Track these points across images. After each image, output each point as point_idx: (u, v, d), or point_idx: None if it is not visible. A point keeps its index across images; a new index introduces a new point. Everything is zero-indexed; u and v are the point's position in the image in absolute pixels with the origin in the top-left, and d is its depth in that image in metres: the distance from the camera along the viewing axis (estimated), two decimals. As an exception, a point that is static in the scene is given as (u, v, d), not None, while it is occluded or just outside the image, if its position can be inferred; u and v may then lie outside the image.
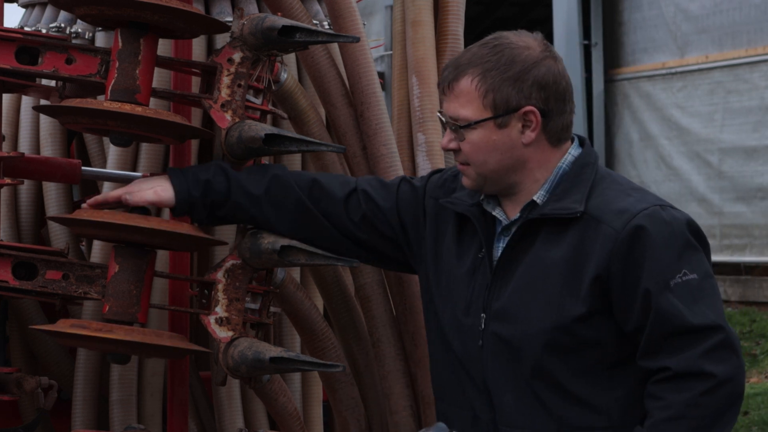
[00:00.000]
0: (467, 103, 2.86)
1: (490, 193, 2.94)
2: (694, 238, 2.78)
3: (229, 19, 3.71)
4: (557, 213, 2.83)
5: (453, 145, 2.90)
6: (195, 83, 3.48)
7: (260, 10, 3.77)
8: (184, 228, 3.16)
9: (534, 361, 2.82)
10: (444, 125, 2.94)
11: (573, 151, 2.90)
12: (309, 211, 3.14)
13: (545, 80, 2.83)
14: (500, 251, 2.91)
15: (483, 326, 2.90)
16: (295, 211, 3.15)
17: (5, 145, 3.90)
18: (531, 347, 2.82)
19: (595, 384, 2.79)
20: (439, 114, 2.96)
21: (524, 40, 2.87)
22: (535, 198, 2.88)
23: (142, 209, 3.16)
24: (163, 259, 3.50)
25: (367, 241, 3.13)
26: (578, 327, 2.78)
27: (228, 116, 3.19)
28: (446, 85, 2.90)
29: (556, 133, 2.87)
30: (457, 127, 2.88)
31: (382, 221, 3.11)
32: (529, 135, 2.84)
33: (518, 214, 2.90)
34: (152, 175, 3.29)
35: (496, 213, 2.94)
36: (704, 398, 2.68)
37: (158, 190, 3.07)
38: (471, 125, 2.85)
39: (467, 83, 2.86)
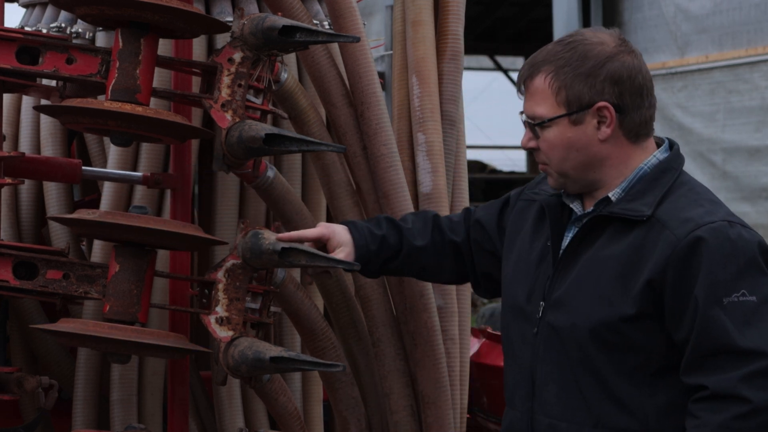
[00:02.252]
0: (541, 101, 2.84)
1: (573, 191, 2.91)
2: (763, 260, 2.72)
3: (230, 18, 3.71)
4: (625, 213, 2.80)
5: (532, 143, 2.89)
6: (195, 83, 3.48)
7: (260, 10, 3.78)
8: (185, 228, 3.16)
9: (580, 353, 2.80)
10: (524, 124, 2.93)
11: (659, 154, 2.87)
12: (459, 252, 3.21)
13: (619, 75, 2.80)
14: (567, 243, 2.90)
15: (540, 314, 2.89)
16: (452, 253, 3.22)
17: (6, 145, 3.90)
18: (578, 339, 2.80)
19: (637, 387, 2.76)
20: (520, 114, 2.94)
21: (599, 36, 2.85)
22: (610, 195, 2.85)
23: (141, 208, 3.16)
24: (163, 258, 3.50)
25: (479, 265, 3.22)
26: (625, 327, 2.75)
27: (228, 116, 3.19)
28: (522, 83, 2.89)
29: (633, 129, 2.83)
30: (533, 125, 2.86)
31: (487, 242, 3.20)
32: (605, 131, 2.81)
33: (591, 209, 2.88)
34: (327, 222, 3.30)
35: (573, 205, 2.92)
36: (737, 422, 2.63)
37: (346, 252, 3.11)
38: (545, 123, 2.83)
39: (541, 81, 2.84)
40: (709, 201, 2.80)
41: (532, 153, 2.94)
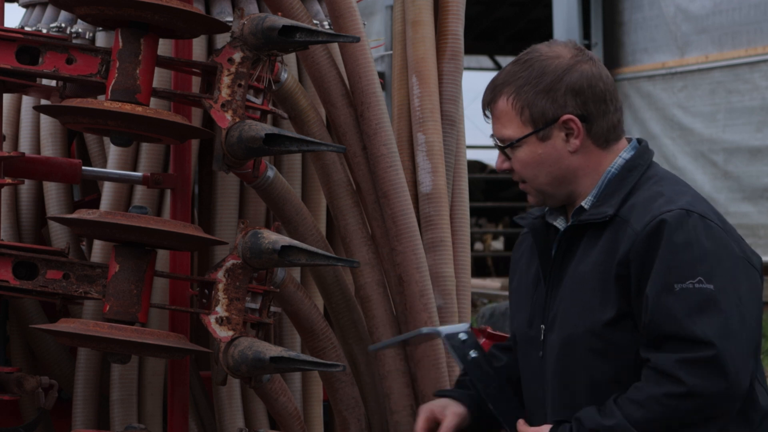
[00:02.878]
0: (508, 123, 2.85)
1: (554, 206, 2.92)
2: (724, 249, 2.71)
3: (230, 18, 3.71)
4: (591, 218, 2.81)
5: (506, 165, 2.90)
6: (195, 83, 3.48)
7: (260, 10, 3.77)
8: (185, 228, 3.16)
9: (579, 368, 2.80)
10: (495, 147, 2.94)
11: (625, 154, 2.87)
12: None
13: (579, 85, 2.81)
14: (552, 261, 2.90)
15: (542, 337, 2.89)
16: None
17: (6, 145, 3.90)
18: (574, 354, 2.80)
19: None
20: (491, 138, 2.95)
21: (554, 50, 2.85)
22: (582, 203, 2.86)
23: (141, 208, 3.16)
24: (163, 258, 3.50)
25: None
26: (610, 332, 2.75)
27: (228, 116, 3.19)
28: (485, 107, 2.90)
29: (602, 135, 2.84)
30: (503, 147, 2.87)
31: None
32: (574, 143, 2.82)
33: (570, 222, 2.89)
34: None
35: (557, 222, 2.92)
36: (668, 400, 2.64)
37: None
38: (515, 143, 2.84)
39: (504, 103, 2.85)
40: (672, 190, 2.79)
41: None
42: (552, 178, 2.85)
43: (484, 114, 2.93)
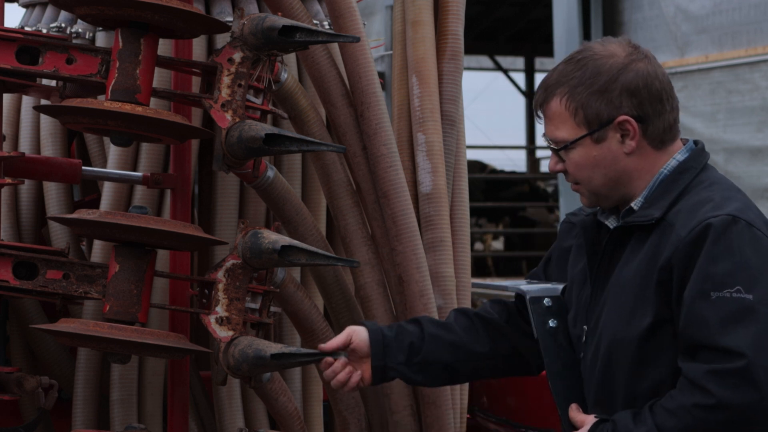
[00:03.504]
0: (561, 124, 2.79)
1: (608, 207, 2.86)
2: None
3: (230, 19, 3.71)
4: (638, 220, 2.76)
5: (559, 167, 2.84)
6: (195, 83, 3.49)
7: (260, 10, 3.78)
8: (185, 228, 3.16)
9: (619, 378, 2.76)
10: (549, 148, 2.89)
11: (679, 155, 2.81)
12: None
13: (635, 85, 2.75)
14: (598, 261, 2.86)
15: (585, 338, 2.86)
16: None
17: (6, 145, 3.90)
18: (615, 362, 2.76)
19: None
20: (543, 138, 2.90)
21: (608, 48, 2.79)
22: (633, 205, 2.81)
23: (141, 208, 3.16)
24: (163, 258, 3.50)
25: None
26: (649, 339, 2.71)
27: (228, 116, 3.19)
28: (539, 108, 2.84)
29: (658, 136, 2.79)
30: (557, 149, 2.82)
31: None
32: (630, 144, 2.76)
33: (618, 223, 2.84)
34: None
35: (608, 222, 2.87)
36: (698, 411, 2.60)
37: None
38: (569, 145, 2.78)
39: (557, 104, 2.79)
40: (722, 196, 2.73)
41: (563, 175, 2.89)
42: (607, 179, 2.79)
43: (536, 115, 2.86)
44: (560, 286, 2.93)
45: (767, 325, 2.60)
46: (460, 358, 3.05)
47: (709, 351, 2.61)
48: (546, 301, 2.90)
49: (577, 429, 2.79)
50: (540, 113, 2.85)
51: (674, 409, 2.63)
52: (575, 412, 2.83)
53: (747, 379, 2.57)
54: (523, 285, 3.03)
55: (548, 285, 3.00)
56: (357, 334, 3.03)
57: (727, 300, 2.61)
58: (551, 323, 2.90)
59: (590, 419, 2.76)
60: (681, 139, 2.86)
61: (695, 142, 2.87)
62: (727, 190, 2.78)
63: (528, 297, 2.91)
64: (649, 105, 2.78)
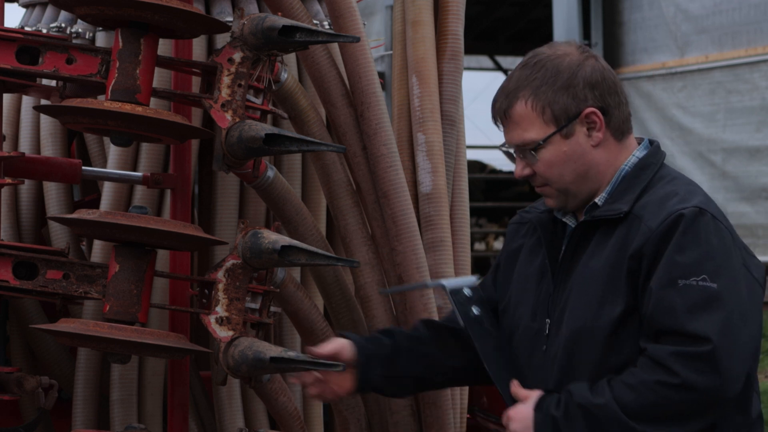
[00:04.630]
0: (529, 125, 2.84)
1: (575, 208, 2.92)
2: (733, 251, 2.74)
3: (230, 19, 3.71)
4: (605, 214, 2.82)
5: (527, 171, 2.88)
6: (195, 83, 3.48)
7: (260, 10, 3.78)
8: (185, 228, 3.16)
9: (586, 362, 2.80)
10: (511, 156, 2.92)
11: (638, 152, 2.89)
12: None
13: (594, 78, 2.83)
14: (561, 256, 2.91)
15: (548, 331, 2.90)
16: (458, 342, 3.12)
17: (6, 145, 3.90)
18: (581, 349, 2.81)
19: None
20: (503, 148, 2.93)
21: (560, 49, 2.87)
22: (596, 200, 2.87)
23: (141, 208, 3.16)
24: (163, 258, 3.50)
25: None
26: (617, 327, 2.76)
27: (228, 116, 3.19)
28: (502, 115, 2.88)
29: (619, 127, 2.86)
30: (527, 150, 2.86)
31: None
32: (597, 136, 2.84)
33: (583, 217, 2.90)
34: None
35: (566, 219, 2.94)
36: (660, 388, 2.66)
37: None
38: (540, 145, 2.83)
39: (522, 106, 2.84)
40: (686, 190, 2.81)
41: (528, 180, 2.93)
42: (576, 175, 2.85)
43: (496, 123, 2.91)
44: (474, 278, 2.98)
45: (731, 314, 2.68)
46: (433, 370, 3.12)
47: (675, 335, 2.68)
48: (466, 291, 2.95)
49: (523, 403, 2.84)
50: (501, 121, 2.89)
51: (635, 384, 2.68)
52: (517, 388, 2.88)
53: (711, 364, 2.65)
54: (441, 280, 3.11)
55: (464, 277, 3.08)
56: (344, 347, 3.07)
57: (693, 288, 2.68)
58: (474, 311, 2.97)
59: (536, 392, 2.81)
60: (636, 138, 2.94)
61: (651, 141, 2.95)
62: (689, 185, 2.86)
63: (448, 289, 2.96)
64: (609, 96, 2.86)
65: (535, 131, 2.84)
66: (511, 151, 2.91)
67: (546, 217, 2.97)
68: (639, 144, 2.92)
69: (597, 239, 2.84)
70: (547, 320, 2.90)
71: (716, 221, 2.76)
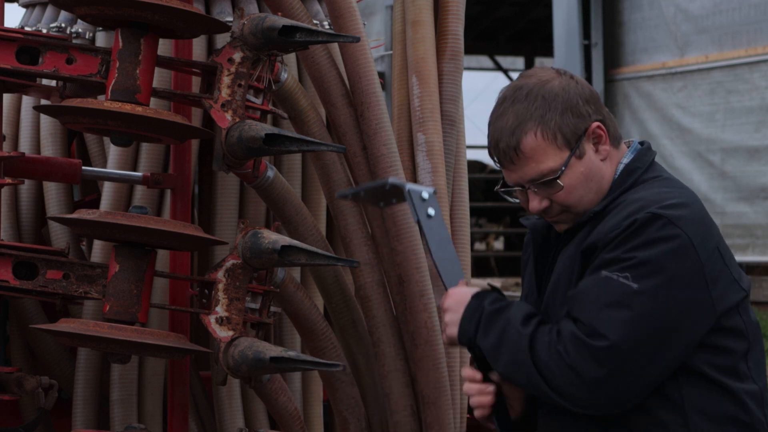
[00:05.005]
0: (543, 157, 2.78)
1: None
2: (678, 261, 2.67)
3: (230, 19, 3.71)
4: (582, 218, 2.81)
5: (545, 204, 2.82)
6: (195, 83, 3.49)
7: (260, 10, 3.78)
8: (185, 228, 3.16)
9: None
10: (520, 194, 2.86)
11: (625, 158, 2.87)
12: None
13: (585, 94, 2.81)
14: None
15: None
16: None
17: (6, 145, 3.90)
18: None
19: None
20: (506, 189, 2.88)
21: (540, 76, 2.84)
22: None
23: (141, 208, 3.16)
24: (163, 258, 3.50)
25: None
26: None
27: (228, 116, 3.19)
28: (512, 153, 2.80)
29: (615, 135, 2.85)
30: (546, 182, 2.80)
31: None
32: (604, 149, 2.82)
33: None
34: None
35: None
36: (558, 358, 2.65)
37: None
38: (563, 170, 2.79)
39: (532, 139, 2.78)
40: (657, 194, 2.77)
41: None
42: (594, 193, 2.82)
43: (502, 164, 2.84)
44: (433, 188, 2.95)
45: (640, 319, 2.64)
46: None
47: (582, 324, 2.66)
48: (424, 194, 2.90)
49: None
50: (511, 160, 2.81)
51: (549, 341, 2.67)
52: (459, 287, 2.86)
53: (599, 358, 2.62)
54: (402, 181, 3.07)
55: (424, 186, 3.03)
56: None
57: (612, 282, 2.66)
58: (430, 211, 2.88)
59: (470, 291, 2.79)
60: (624, 142, 2.91)
61: (641, 143, 2.93)
62: (666, 187, 2.82)
63: (407, 189, 2.90)
64: (601, 108, 2.85)
65: (551, 160, 2.79)
66: (517, 189, 2.85)
67: (541, 224, 2.95)
68: (628, 147, 2.90)
69: (570, 241, 2.83)
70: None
71: (672, 227, 2.70)
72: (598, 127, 2.81)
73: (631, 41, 12.57)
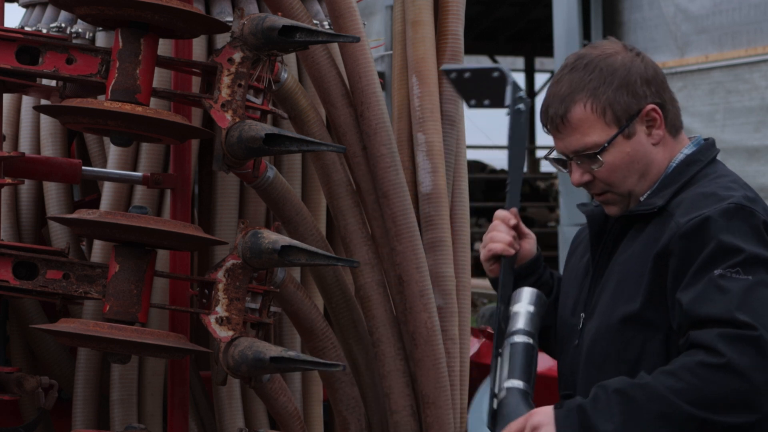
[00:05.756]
0: (589, 129, 2.75)
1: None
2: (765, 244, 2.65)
3: (230, 18, 3.71)
4: (641, 209, 2.77)
5: (586, 177, 2.80)
6: (195, 83, 3.49)
7: (260, 10, 3.78)
8: (185, 228, 3.17)
9: (607, 360, 2.74)
10: (561, 163, 2.84)
11: (686, 149, 2.82)
12: None
13: (648, 74, 2.77)
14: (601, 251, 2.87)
15: (581, 325, 2.84)
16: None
17: (6, 145, 3.90)
18: (603, 344, 2.75)
19: None
20: (555, 157, 2.86)
21: (606, 49, 2.80)
22: (641, 197, 2.81)
23: (141, 208, 3.16)
24: (163, 258, 3.50)
25: None
26: (638, 322, 2.70)
27: (228, 116, 3.19)
28: (559, 121, 2.77)
29: (674, 123, 2.80)
30: (589, 156, 2.77)
31: None
32: (657, 133, 2.77)
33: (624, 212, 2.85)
34: None
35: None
36: (702, 370, 2.54)
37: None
38: (605, 147, 2.75)
39: (581, 110, 2.75)
40: (726, 187, 2.73)
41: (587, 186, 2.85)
42: (639, 176, 2.78)
43: (549, 130, 2.82)
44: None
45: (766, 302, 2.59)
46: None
47: (717, 324, 2.57)
48: (522, 93, 2.87)
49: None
50: (558, 128, 2.79)
51: (674, 369, 2.57)
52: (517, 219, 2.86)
53: (759, 347, 2.53)
54: (508, 71, 2.98)
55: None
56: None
57: (730, 279, 2.60)
58: (521, 107, 2.83)
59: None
60: (689, 138, 2.88)
61: (705, 139, 2.89)
62: (733, 182, 2.77)
63: (511, 78, 2.86)
64: (663, 92, 2.80)
65: (597, 134, 2.75)
66: (563, 158, 2.83)
67: (598, 212, 2.89)
68: (690, 141, 2.86)
69: (631, 234, 2.78)
70: (582, 315, 2.85)
71: (753, 215, 2.67)
72: (653, 109, 2.76)
73: (631, 41, 12.55)
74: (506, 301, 2.82)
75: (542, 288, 2.93)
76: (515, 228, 2.89)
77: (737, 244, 2.63)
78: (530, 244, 2.96)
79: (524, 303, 2.80)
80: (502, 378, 2.71)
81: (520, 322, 2.77)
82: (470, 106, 2.93)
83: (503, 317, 2.80)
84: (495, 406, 2.70)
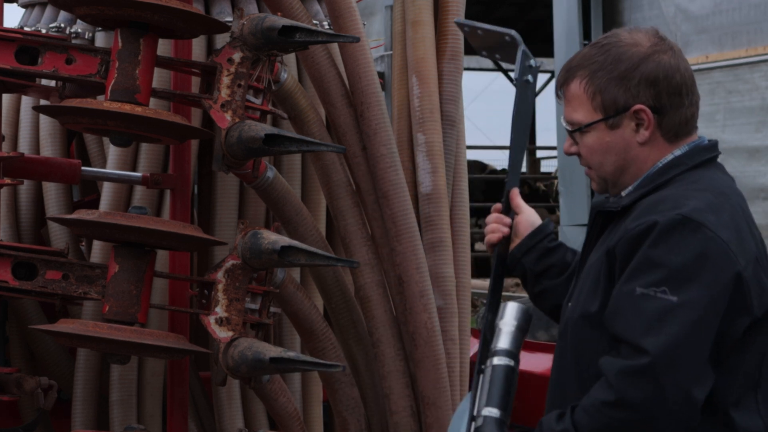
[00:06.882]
0: (578, 107, 2.79)
1: (616, 194, 2.85)
2: (708, 265, 2.60)
3: (229, 19, 3.71)
4: (608, 206, 2.80)
5: (573, 149, 2.84)
6: (195, 83, 3.48)
7: (260, 10, 3.77)
8: (184, 228, 3.16)
9: (570, 354, 2.77)
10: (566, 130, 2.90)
11: (677, 151, 2.79)
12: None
13: (654, 76, 2.74)
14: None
15: (565, 317, 2.87)
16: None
17: (5, 145, 3.90)
18: (567, 339, 2.78)
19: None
20: (563, 118, 2.90)
21: (634, 37, 2.79)
22: (623, 192, 2.81)
23: (141, 209, 3.16)
24: (163, 259, 3.50)
25: None
26: (595, 322, 2.70)
27: (228, 116, 3.19)
28: (559, 89, 2.83)
29: (673, 129, 2.77)
30: (572, 131, 2.82)
31: None
32: (644, 134, 2.76)
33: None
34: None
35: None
36: (604, 408, 2.59)
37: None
38: (583, 128, 2.78)
39: (576, 86, 2.78)
40: (685, 195, 2.70)
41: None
42: (616, 167, 2.80)
43: (557, 96, 2.87)
44: (539, 64, 2.99)
45: (685, 329, 2.57)
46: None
47: (625, 345, 2.60)
48: (532, 62, 2.92)
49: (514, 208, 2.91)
50: (560, 94, 2.85)
51: (588, 407, 2.63)
52: (516, 195, 2.95)
53: (648, 378, 2.55)
54: (519, 39, 3.03)
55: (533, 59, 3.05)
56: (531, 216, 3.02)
57: (650, 298, 2.59)
58: (530, 78, 2.91)
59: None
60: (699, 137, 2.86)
61: (709, 141, 2.86)
62: (700, 191, 2.74)
63: (522, 48, 2.91)
64: (667, 97, 2.77)
65: (582, 114, 2.79)
66: (564, 124, 2.87)
67: (595, 204, 2.92)
68: (688, 142, 2.82)
69: (606, 232, 2.80)
70: (569, 304, 2.89)
71: (702, 230, 2.63)
72: (642, 110, 2.74)
73: (631, 41, 12.56)
74: (493, 309, 2.85)
75: (552, 257, 3.00)
76: (506, 211, 2.94)
77: (665, 259, 2.61)
78: (526, 218, 2.99)
79: (509, 319, 2.84)
80: (481, 404, 2.75)
81: (504, 341, 2.81)
82: (482, 55, 3.00)
83: (489, 327, 2.85)
84: (472, 430, 2.75)
